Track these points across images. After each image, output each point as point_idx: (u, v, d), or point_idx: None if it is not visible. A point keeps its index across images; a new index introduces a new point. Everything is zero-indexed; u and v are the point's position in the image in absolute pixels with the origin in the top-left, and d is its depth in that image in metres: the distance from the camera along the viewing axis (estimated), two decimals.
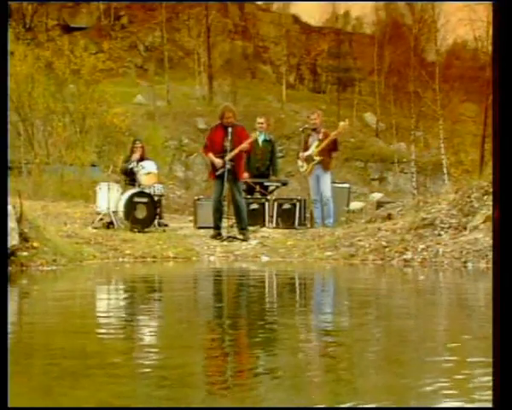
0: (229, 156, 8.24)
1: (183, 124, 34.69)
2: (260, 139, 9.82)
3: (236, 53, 47.14)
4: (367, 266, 6.78)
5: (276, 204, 9.65)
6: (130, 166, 9.90)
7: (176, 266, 7.10)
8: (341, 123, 10.10)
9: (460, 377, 2.40)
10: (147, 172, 9.73)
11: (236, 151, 8.28)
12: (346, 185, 11.06)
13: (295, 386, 2.32)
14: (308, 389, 2.29)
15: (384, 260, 6.87)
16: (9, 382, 2.11)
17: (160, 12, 42.17)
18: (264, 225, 9.41)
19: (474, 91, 33.83)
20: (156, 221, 9.54)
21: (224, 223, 8.56)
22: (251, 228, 8.67)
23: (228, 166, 8.21)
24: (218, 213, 8.46)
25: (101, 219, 9.80)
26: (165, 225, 9.97)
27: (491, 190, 6.86)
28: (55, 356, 2.75)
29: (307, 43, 50.51)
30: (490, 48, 27.76)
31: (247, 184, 9.53)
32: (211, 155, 8.41)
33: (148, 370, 2.52)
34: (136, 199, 9.35)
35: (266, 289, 5.58)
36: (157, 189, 9.94)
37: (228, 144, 8.25)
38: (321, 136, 9.65)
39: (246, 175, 9.20)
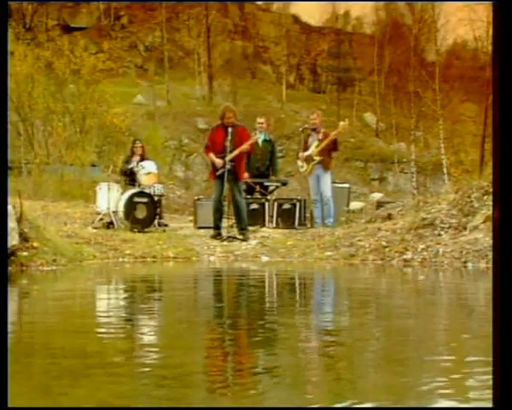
0: (229, 157, 8.24)
1: (183, 124, 34.69)
2: (260, 139, 9.82)
3: (236, 53, 47.15)
4: (367, 266, 6.78)
5: (276, 204, 9.65)
6: (130, 166, 9.90)
7: (176, 266, 7.10)
8: (341, 123, 10.10)
9: (460, 376, 2.40)
10: (147, 172, 9.73)
11: (236, 152, 8.29)
12: (346, 185, 11.06)
13: (295, 385, 2.33)
14: (308, 388, 2.29)
15: (384, 260, 6.87)
16: (9, 382, 2.11)
17: (160, 12, 42.16)
18: (264, 225, 9.41)
19: (474, 91, 33.84)
20: (156, 221, 9.54)
21: (224, 223, 8.56)
22: (251, 228, 8.67)
23: (228, 166, 8.22)
24: (218, 213, 8.46)
25: (101, 219, 9.80)
26: (165, 225, 9.98)
27: (491, 190, 6.86)
28: (55, 356, 2.75)
29: (307, 43, 50.51)
30: (490, 48, 27.76)
31: (247, 184, 9.53)
32: (212, 155, 8.43)
33: (148, 369, 2.52)
34: (136, 199, 9.35)
35: (266, 289, 5.58)
36: (157, 189, 9.94)
37: (228, 144, 8.26)
38: (321, 136, 9.66)
39: (246, 175, 9.21)
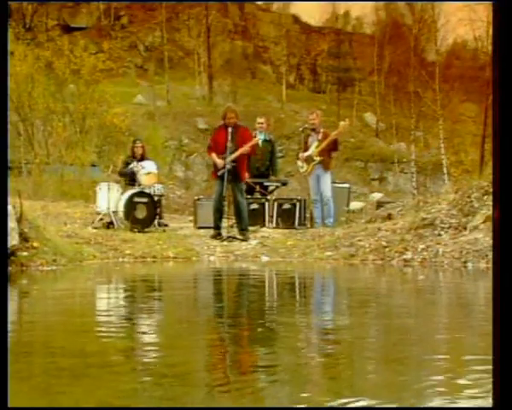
0: (229, 158, 8.25)
1: (183, 124, 34.69)
2: (260, 139, 9.81)
3: (236, 53, 47.16)
4: (367, 266, 6.79)
5: (276, 204, 9.65)
6: (130, 167, 9.89)
7: (176, 266, 7.10)
8: (341, 123, 10.10)
9: (459, 375, 2.40)
10: (147, 172, 9.73)
11: (237, 154, 8.30)
12: (346, 185, 11.06)
13: (294, 384, 2.33)
14: (307, 387, 2.29)
15: (384, 260, 6.87)
16: (9, 382, 2.11)
17: (160, 12, 42.17)
18: (264, 225, 9.41)
19: (474, 91, 33.85)
20: (156, 221, 9.54)
21: (224, 223, 8.57)
22: (251, 228, 8.67)
23: (228, 166, 8.22)
24: (218, 213, 8.46)
25: (101, 219, 9.80)
26: (165, 225, 9.97)
27: (491, 190, 6.86)
28: (54, 356, 2.75)
29: (307, 43, 50.52)
30: (490, 48, 27.76)
31: (247, 184, 9.52)
32: (213, 155, 8.46)
33: (148, 369, 2.52)
34: (136, 199, 9.35)
35: (266, 289, 5.58)
36: (157, 189, 9.93)
37: (230, 145, 8.28)
38: (320, 136, 9.66)
39: (246, 175, 9.21)
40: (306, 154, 9.70)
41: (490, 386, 1.96)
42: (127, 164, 10.05)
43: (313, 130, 9.81)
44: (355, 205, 13.04)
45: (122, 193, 9.71)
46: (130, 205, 9.27)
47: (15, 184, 14.24)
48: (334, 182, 10.18)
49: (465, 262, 6.43)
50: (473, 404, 2.08)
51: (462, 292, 5.18)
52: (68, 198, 16.29)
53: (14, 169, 21.29)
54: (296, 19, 51.50)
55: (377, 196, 20.54)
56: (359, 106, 42.45)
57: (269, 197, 9.83)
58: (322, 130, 9.75)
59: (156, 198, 9.62)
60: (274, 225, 9.50)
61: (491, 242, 5.82)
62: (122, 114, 23.90)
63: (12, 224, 5.90)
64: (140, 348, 3.03)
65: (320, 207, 9.58)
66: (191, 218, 11.32)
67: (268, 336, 3.27)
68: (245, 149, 8.33)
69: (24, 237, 6.15)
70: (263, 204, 9.64)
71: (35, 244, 6.21)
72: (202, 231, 9.12)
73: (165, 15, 41.36)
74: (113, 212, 9.58)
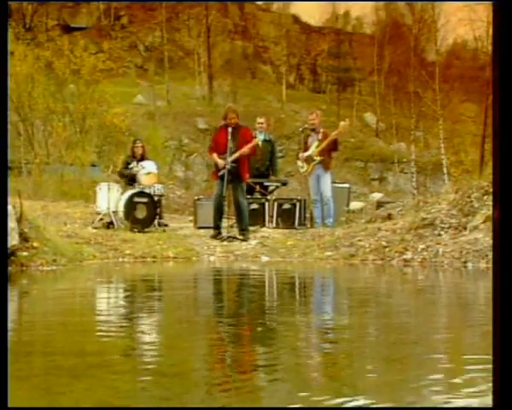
0: (230, 159, 8.26)
1: (183, 124, 34.70)
2: (260, 139, 9.81)
3: (236, 53, 47.18)
4: (367, 266, 6.79)
5: (276, 204, 9.65)
6: (130, 167, 9.90)
7: (176, 266, 7.10)
8: (342, 123, 10.10)
9: (459, 375, 2.40)
10: (147, 172, 9.74)
11: (237, 155, 8.30)
12: (346, 185, 11.06)
13: (293, 383, 2.33)
14: (307, 386, 2.29)
15: (384, 260, 6.87)
16: (9, 382, 2.11)
17: (160, 12, 42.19)
18: (264, 225, 9.41)
19: (474, 91, 33.86)
20: (156, 221, 9.55)
21: (224, 223, 8.57)
22: (251, 228, 8.68)
23: (228, 166, 8.23)
24: (218, 213, 8.47)
25: (101, 219, 9.80)
26: (165, 225, 9.98)
27: (491, 190, 6.86)
28: (55, 355, 2.75)
29: (307, 43, 50.54)
30: (490, 48, 27.77)
31: (247, 184, 9.53)
32: (214, 155, 8.48)
33: (148, 369, 2.52)
34: (136, 199, 9.35)
35: (266, 289, 5.58)
36: (157, 189, 9.93)
37: (231, 145, 8.29)
38: (320, 136, 9.66)
39: (247, 176, 9.21)
40: (306, 154, 9.70)
41: (490, 386, 1.96)
42: (127, 164, 10.04)
43: (313, 130, 9.81)
44: (355, 205, 13.05)
45: (122, 193, 9.71)
46: (130, 205, 9.27)
47: (15, 184, 14.25)
48: (334, 182, 10.19)
49: (465, 262, 6.43)
50: (473, 404, 2.08)
51: (462, 292, 5.18)
52: (68, 198, 16.30)
53: (14, 169, 21.30)
54: (296, 19, 51.54)
55: (377, 196, 20.55)
56: (359, 106, 42.47)
57: (269, 197, 9.83)
58: (322, 130, 9.76)
59: (156, 198, 9.63)
60: (274, 225, 9.50)
61: (491, 242, 5.83)
62: (122, 114, 23.91)
63: (12, 224, 5.90)
64: (140, 347, 3.03)
65: (320, 207, 9.58)
66: (191, 218, 11.32)
67: (268, 336, 3.27)
68: (244, 150, 8.34)
69: (24, 237, 6.15)
70: (263, 204, 9.64)
71: (35, 244, 6.21)
72: (202, 231, 9.13)
73: (165, 15, 41.38)
74: (113, 212, 9.58)
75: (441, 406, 2.08)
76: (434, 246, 6.84)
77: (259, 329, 3.52)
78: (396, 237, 7.26)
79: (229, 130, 8.33)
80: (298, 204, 9.64)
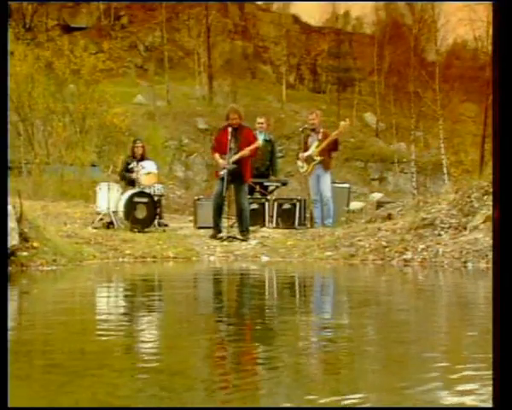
0: (231, 159, 8.26)
1: (183, 124, 34.70)
2: (260, 139, 9.81)
3: (236, 53, 47.18)
4: (367, 266, 6.79)
5: (276, 204, 9.65)
6: (130, 167, 9.90)
7: (176, 266, 7.10)
8: (342, 123, 10.09)
9: (458, 374, 2.40)
10: (147, 172, 9.74)
11: (237, 157, 8.30)
12: (346, 185, 11.06)
13: (294, 383, 2.33)
14: (306, 386, 2.29)
15: (384, 260, 6.87)
16: (9, 382, 2.11)
17: (160, 12, 42.20)
18: (264, 225, 9.41)
19: (474, 91, 33.86)
20: (156, 221, 9.55)
21: (224, 223, 8.57)
22: (251, 228, 8.67)
23: (229, 167, 8.23)
24: (218, 213, 8.46)
25: (101, 219, 9.80)
26: (165, 225, 9.98)
27: (491, 190, 6.86)
28: (55, 356, 2.75)
29: (307, 43, 50.55)
30: (490, 48, 27.77)
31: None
32: (216, 155, 8.48)
33: (148, 369, 2.52)
34: (136, 199, 9.35)
35: (266, 289, 5.58)
36: (157, 189, 9.93)
37: (233, 146, 8.29)
38: (320, 136, 9.66)
39: (249, 177, 9.21)
40: (306, 154, 9.70)
41: (490, 386, 1.96)
42: (127, 164, 10.05)
43: (313, 130, 9.81)
44: (355, 205, 13.05)
45: (122, 193, 9.71)
46: (130, 205, 9.27)
47: (15, 184, 14.24)
48: (334, 182, 10.19)
49: (465, 262, 6.43)
50: (473, 404, 2.08)
51: (462, 292, 5.18)
52: (68, 198, 16.30)
53: (14, 169, 21.30)
54: (296, 19, 51.54)
55: (377, 196, 20.56)
56: (359, 106, 42.47)
57: (269, 197, 9.83)
58: (322, 130, 9.76)
59: (156, 198, 9.63)
60: (274, 225, 9.50)
61: (491, 242, 5.83)
62: (122, 114, 23.90)
63: (12, 224, 5.90)
64: (140, 347, 3.03)
65: (320, 207, 9.58)
66: (191, 218, 11.32)
67: (267, 335, 3.27)
68: (245, 152, 8.34)
69: (24, 237, 6.15)
70: (263, 204, 9.64)
71: (35, 244, 6.21)
72: (202, 231, 9.12)
73: (165, 15, 41.38)
74: (113, 212, 9.58)
75: (441, 405, 2.08)
76: (434, 246, 6.84)
77: (259, 328, 3.53)
78: (396, 237, 7.26)
79: (231, 130, 8.33)
80: (298, 204, 9.64)
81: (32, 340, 3.15)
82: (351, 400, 2.09)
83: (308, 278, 6.54)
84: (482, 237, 6.69)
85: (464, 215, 7.27)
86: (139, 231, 8.87)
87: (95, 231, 8.85)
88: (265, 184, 10.01)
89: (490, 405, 1.92)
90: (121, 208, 9.39)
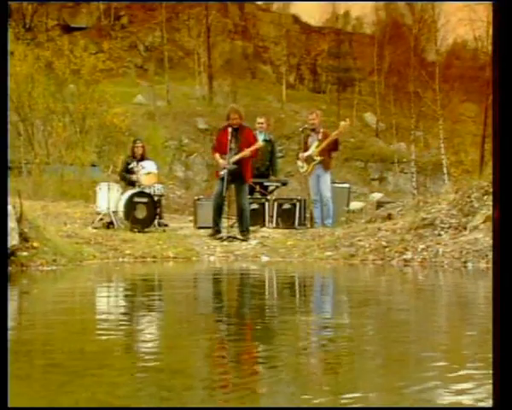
0: (231, 159, 8.26)
1: (183, 124, 34.69)
2: (260, 139, 9.81)
3: (236, 53, 47.17)
4: (367, 266, 6.79)
5: (276, 204, 9.65)
6: (130, 168, 9.90)
7: (176, 266, 7.10)
8: (342, 123, 10.09)
9: (458, 374, 2.40)
10: (147, 172, 9.74)
11: (238, 157, 8.30)
12: (346, 185, 11.06)
13: (293, 383, 2.33)
14: (306, 385, 2.29)
15: (384, 260, 6.87)
16: (9, 382, 2.11)
17: (160, 12, 42.18)
18: (264, 225, 9.41)
19: (474, 91, 33.87)
20: (156, 221, 9.54)
21: (224, 223, 8.57)
22: (251, 228, 8.67)
23: (229, 167, 8.22)
24: (217, 213, 8.46)
25: (101, 219, 9.80)
26: (165, 225, 9.97)
27: (491, 190, 6.86)
28: (55, 356, 2.75)
29: (307, 43, 50.54)
30: (490, 48, 27.77)
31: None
32: (217, 155, 8.48)
33: (148, 369, 2.52)
34: (136, 199, 9.35)
35: (266, 289, 5.58)
36: (157, 189, 9.93)
37: (233, 146, 8.29)
38: (320, 136, 9.66)
39: (250, 178, 9.20)
40: (306, 154, 9.70)
41: (489, 386, 1.96)
42: (127, 164, 10.05)
43: (313, 130, 9.81)
44: (355, 205, 13.05)
45: (122, 193, 9.71)
46: (130, 205, 9.27)
47: (15, 184, 14.24)
48: (334, 182, 10.19)
49: (465, 262, 6.43)
50: (472, 403, 2.08)
51: (462, 292, 5.18)
52: (68, 198, 16.30)
53: (14, 169, 21.29)
54: (296, 19, 51.53)
55: (377, 196, 20.56)
56: (359, 106, 42.47)
57: (269, 197, 9.83)
58: (322, 130, 9.76)
59: (156, 198, 9.62)
60: (274, 225, 9.50)
61: (491, 242, 5.83)
62: (122, 114, 23.90)
63: (12, 224, 5.90)
64: (140, 347, 3.03)
65: (320, 207, 9.58)
66: (191, 218, 11.32)
67: (267, 335, 3.27)
68: (245, 153, 8.33)
69: (24, 237, 6.15)
70: (263, 204, 9.64)
71: (35, 244, 6.21)
72: (202, 231, 9.12)
73: (165, 15, 41.37)
74: (113, 212, 9.58)
75: (441, 405, 2.08)
76: (434, 246, 6.85)
77: (259, 328, 3.53)
78: (396, 237, 7.26)
79: (231, 130, 8.33)
80: (298, 204, 9.64)
81: (32, 340, 3.15)
82: (350, 399, 2.09)
83: (308, 277, 6.54)
84: (482, 237, 6.69)
85: (464, 215, 7.27)
86: (139, 231, 8.87)
87: (95, 231, 8.85)
88: (265, 184, 10.01)
89: (489, 404, 1.92)
90: (121, 208, 9.39)
